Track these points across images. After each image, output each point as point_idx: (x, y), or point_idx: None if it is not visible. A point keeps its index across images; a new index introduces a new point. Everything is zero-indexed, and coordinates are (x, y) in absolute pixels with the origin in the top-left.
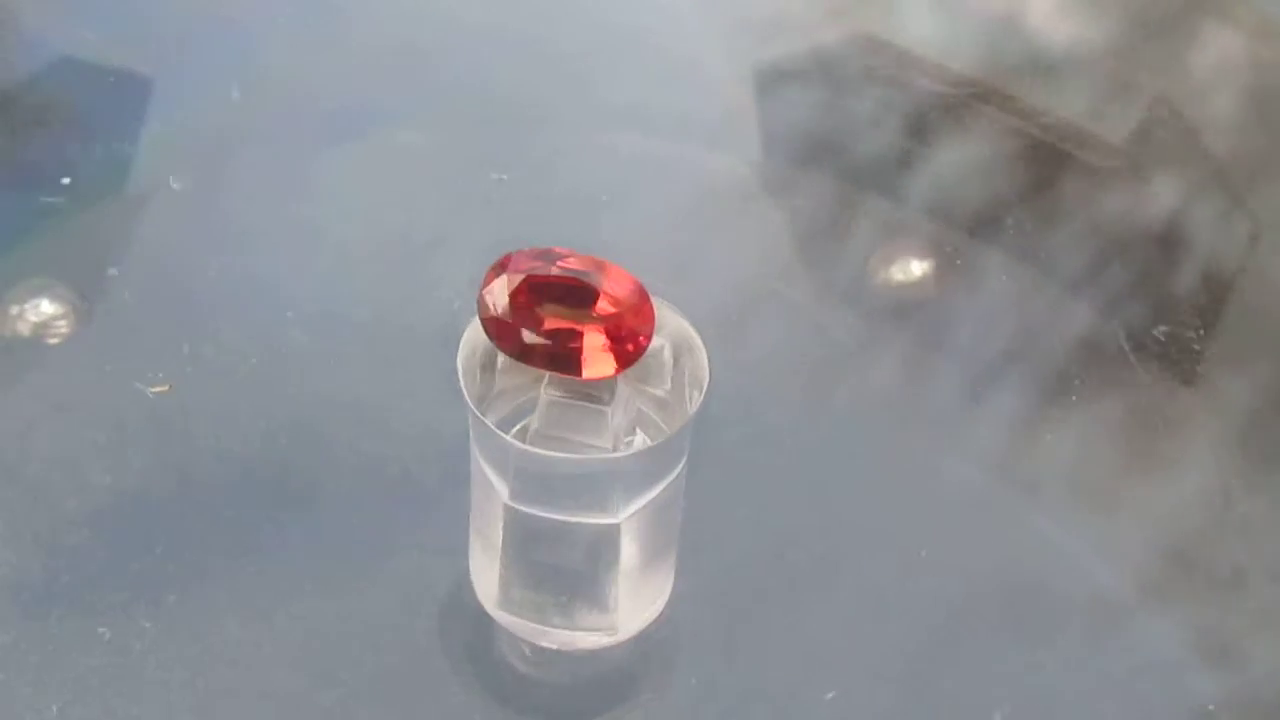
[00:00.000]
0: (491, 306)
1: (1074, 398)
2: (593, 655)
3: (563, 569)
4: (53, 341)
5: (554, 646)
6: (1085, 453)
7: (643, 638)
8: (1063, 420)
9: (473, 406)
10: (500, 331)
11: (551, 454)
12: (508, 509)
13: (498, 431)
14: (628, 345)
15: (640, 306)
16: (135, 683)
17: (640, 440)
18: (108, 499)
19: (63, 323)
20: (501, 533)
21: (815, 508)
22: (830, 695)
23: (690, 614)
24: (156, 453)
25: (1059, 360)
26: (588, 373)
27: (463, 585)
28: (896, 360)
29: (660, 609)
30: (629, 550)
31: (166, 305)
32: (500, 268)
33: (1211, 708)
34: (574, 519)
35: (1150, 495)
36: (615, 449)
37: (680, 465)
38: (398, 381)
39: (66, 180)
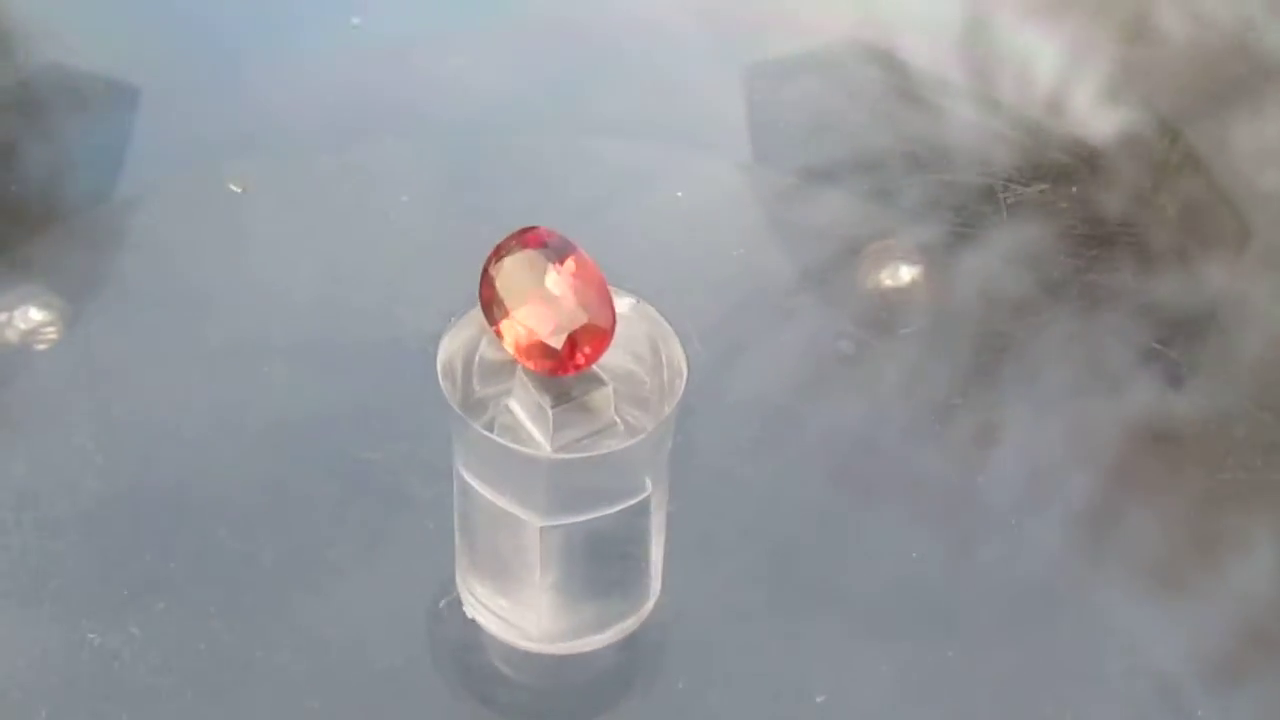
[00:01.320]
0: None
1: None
2: (581, 658)
3: (608, 562)
4: (41, 347)
5: (606, 642)
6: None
7: (631, 640)
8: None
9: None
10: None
11: (596, 452)
12: (546, 533)
13: (527, 450)
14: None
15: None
16: (124, 688)
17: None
18: (96, 505)
19: (51, 329)
20: (539, 561)
21: (804, 510)
22: (820, 699)
23: (678, 616)
24: (145, 458)
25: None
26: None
27: (449, 590)
28: (886, 363)
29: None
30: (657, 517)
31: (154, 311)
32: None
33: None
34: (613, 509)
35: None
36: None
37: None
38: (387, 388)
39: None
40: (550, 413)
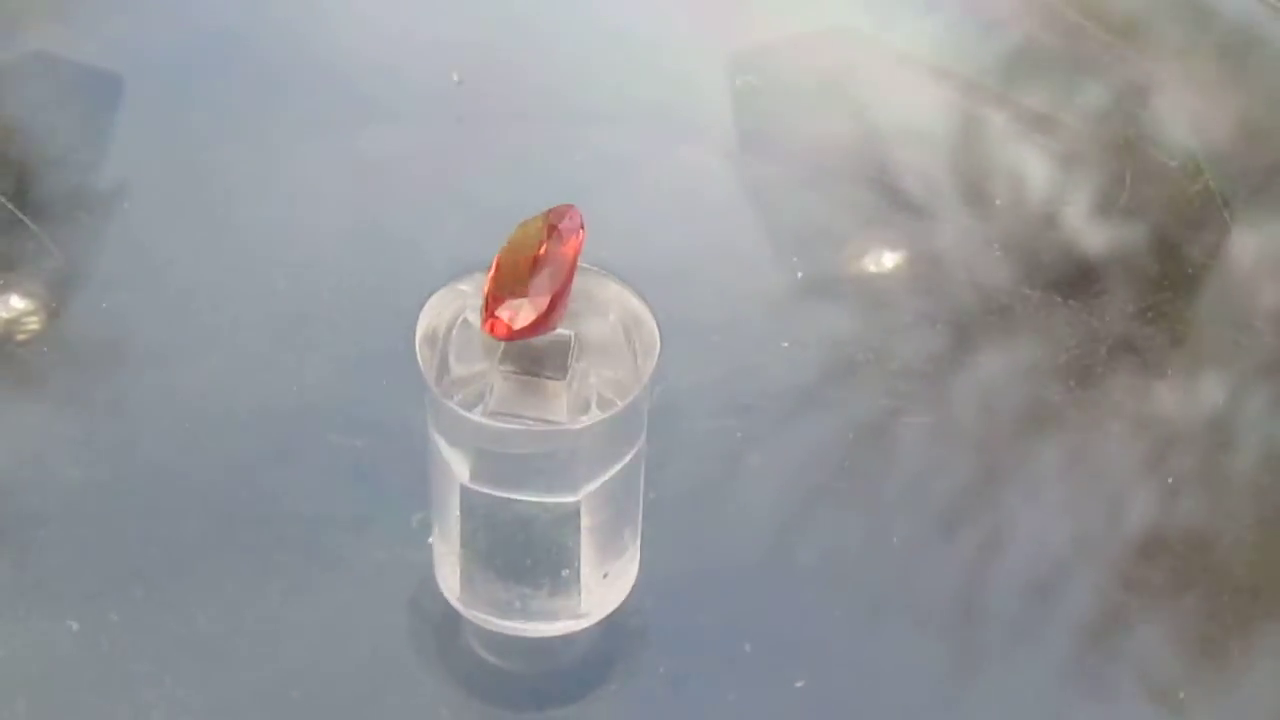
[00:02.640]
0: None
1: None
2: (560, 645)
3: (524, 554)
4: (22, 338)
5: (522, 635)
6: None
7: (610, 627)
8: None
9: (431, 385)
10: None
11: (511, 426)
12: (466, 492)
13: (455, 408)
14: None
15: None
16: (103, 676)
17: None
18: (76, 493)
19: (32, 319)
20: (460, 519)
21: (782, 497)
22: (799, 684)
23: (657, 603)
24: (125, 447)
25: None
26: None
27: (429, 577)
28: (868, 351)
29: (625, 594)
30: (590, 530)
31: (135, 301)
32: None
33: None
34: (535, 498)
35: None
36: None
37: (639, 443)
38: (366, 376)
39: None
40: (499, 374)
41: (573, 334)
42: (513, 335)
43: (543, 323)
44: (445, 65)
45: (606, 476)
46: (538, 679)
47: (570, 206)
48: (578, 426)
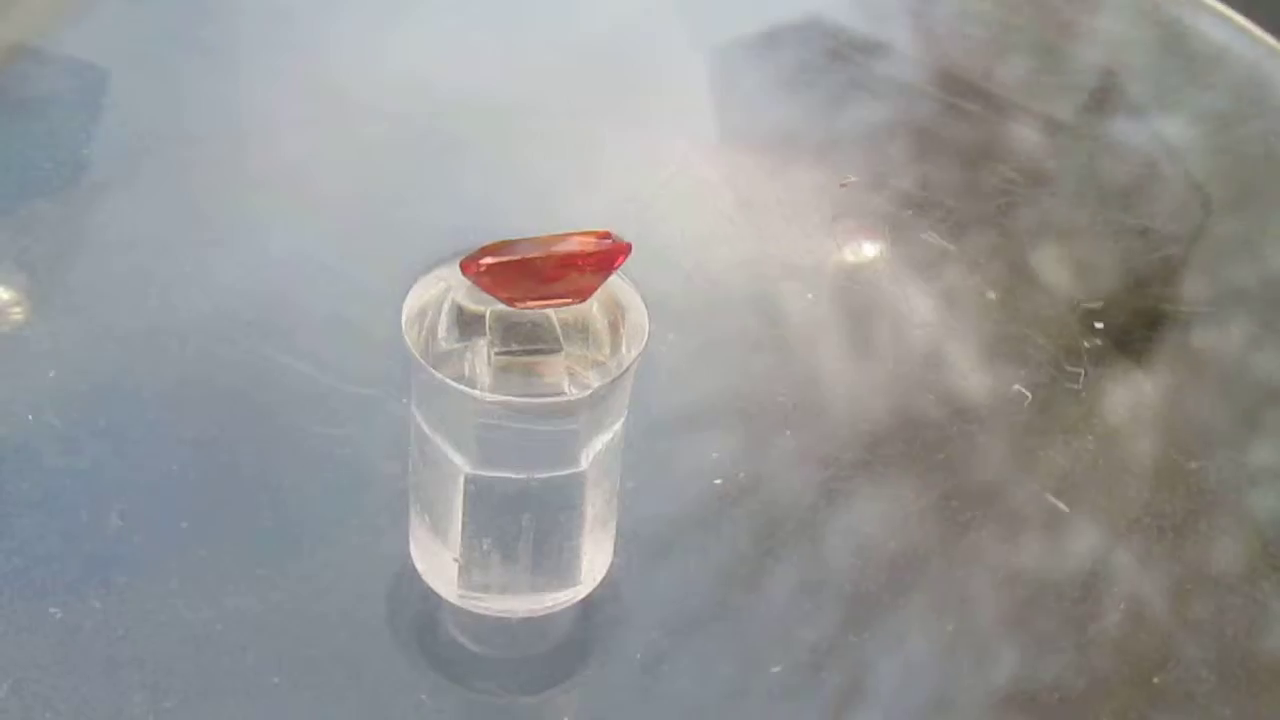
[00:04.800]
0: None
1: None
2: (539, 630)
3: (532, 532)
4: (4, 329)
5: (523, 615)
6: None
7: (589, 610)
8: None
9: (431, 371)
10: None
11: (537, 399)
12: (470, 480)
13: (460, 387)
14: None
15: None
16: (85, 662)
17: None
18: (60, 481)
19: (17, 309)
20: (463, 510)
21: (762, 479)
22: (776, 669)
23: (635, 586)
24: (108, 435)
25: None
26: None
27: (408, 564)
28: (845, 337)
29: (610, 558)
30: (591, 498)
31: (120, 292)
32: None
33: None
34: (545, 474)
35: None
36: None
37: (626, 408)
38: (349, 366)
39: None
40: (494, 357)
41: (550, 312)
42: (478, 273)
43: (514, 273)
44: (426, 67)
45: (605, 442)
46: (517, 664)
47: (625, 244)
48: (588, 393)
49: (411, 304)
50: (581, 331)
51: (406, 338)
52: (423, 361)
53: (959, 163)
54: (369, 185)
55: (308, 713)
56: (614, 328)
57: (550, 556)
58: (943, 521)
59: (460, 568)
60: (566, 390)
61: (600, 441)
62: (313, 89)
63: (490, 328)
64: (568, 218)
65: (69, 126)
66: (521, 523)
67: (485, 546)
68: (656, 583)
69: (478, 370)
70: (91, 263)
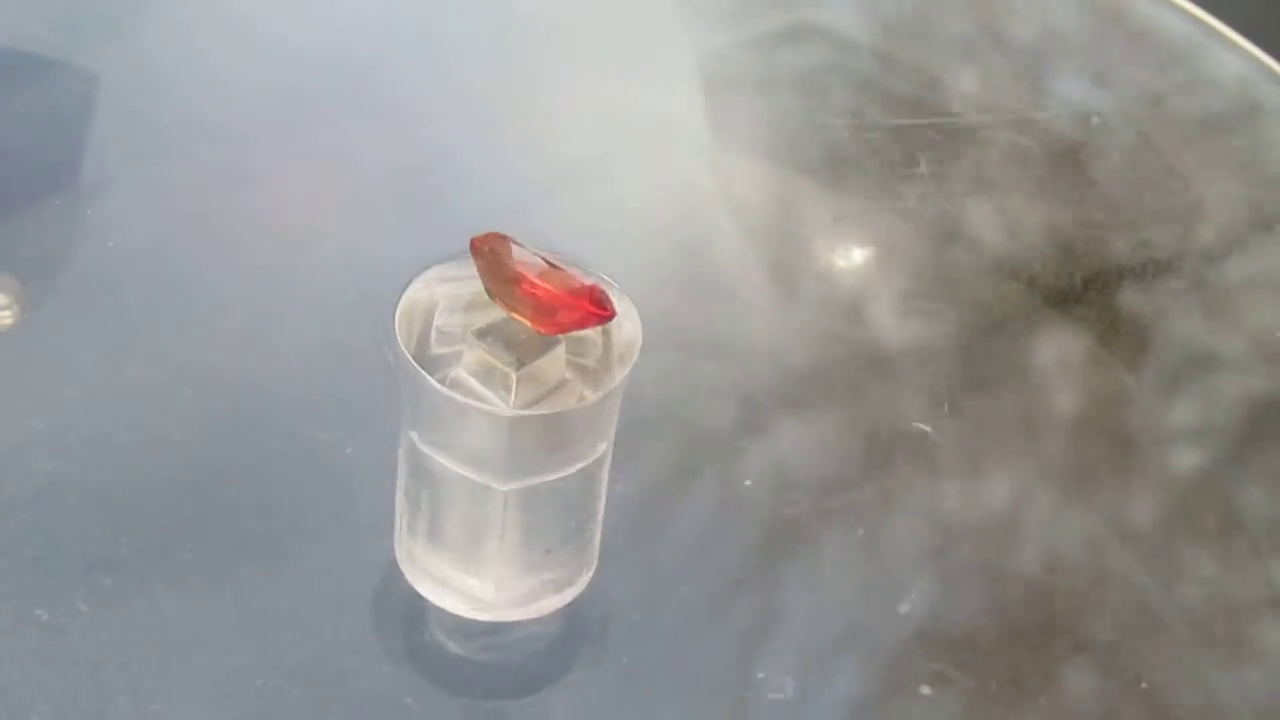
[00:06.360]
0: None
1: None
2: (525, 634)
3: (560, 528)
4: None
5: (556, 606)
6: None
7: (574, 616)
8: None
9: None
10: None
11: (550, 411)
12: (509, 497)
13: (488, 409)
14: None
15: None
16: (71, 664)
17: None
18: (48, 484)
19: (6, 312)
20: (504, 527)
21: (746, 488)
22: (761, 675)
23: (620, 592)
24: (96, 439)
25: None
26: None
27: (395, 567)
28: (829, 343)
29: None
30: (605, 479)
31: (109, 294)
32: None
33: None
34: (572, 469)
35: None
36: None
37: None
38: (336, 370)
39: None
40: (514, 374)
41: None
42: (479, 252)
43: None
44: (417, 66)
45: (611, 432)
46: (502, 668)
47: (609, 314)
48: (610, 389)
49: (402, 328)
50: (573, 338)
51: (416, 370)
52: (447, 391)
53: (893, 111)
54: (367, 185)
55: (292, 716)
56: (604, 331)
57: (576, 547)
58: (862, 461)
59: (498, 584)
60: (568, 379)
61: (612, 429)
62: (312, 89)
63: (490, 346)
64: None
65: (62, 130)
66: (555, 523)
67: (525, 557)
68: (642, 592)
69: (469, 384)
70: (81, 268)
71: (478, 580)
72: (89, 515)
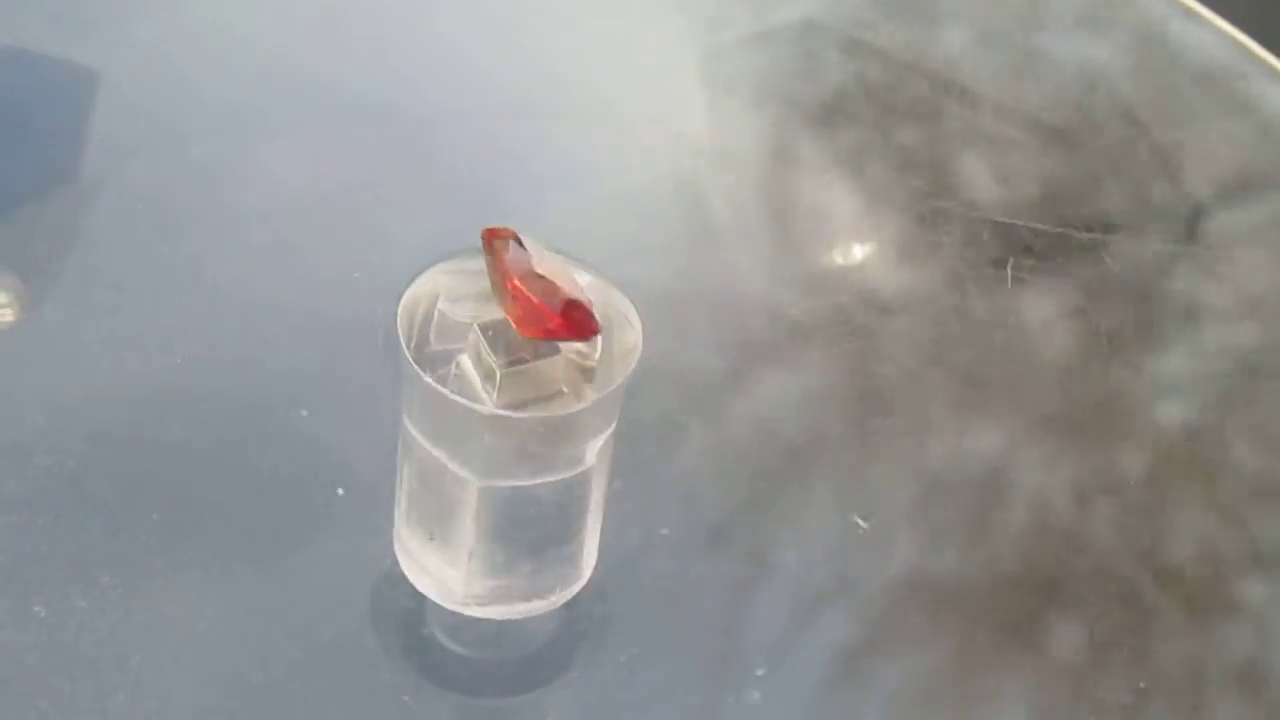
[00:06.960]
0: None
1: None
2: (523, 632)
3: (541, 533)
4: None
5: (529, 614)
6: None
7: (573, 615)
8: None
9: (439, 386)
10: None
11: (569, 410)
12: (483, 492)
13: (470, 404)
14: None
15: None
16: (69, 660)
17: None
18: (46, 481)
19: (7, 309)
20: (475, 523)
21: (743, 486)
22: (760, 671)
23: (620, 590)
24: (96, 436)
25: None
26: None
27: (395, 565)
28: (825, 335)
29: (596, 551)
30: (594, 493)
31: (109, 292)
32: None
33: None
34: (556, 476)
35: None
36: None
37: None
38: (337, 365)
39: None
40: (499, 372)
41: None
42: (489, 244)
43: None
44: (414, 65)
45: (605, 438)
46: (500, 667)
47: (593, 328)
48: (600, 396)
49: (404, 315)
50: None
51: (405, 353)
52: (430, 380)
53: (889, 66)
54: (363, 186)
55: (290, 713)
56: (608, 334)
57: (561, 553)
58: (852, 411)
59: (467, 575)
60: (564, 390)
61: (603, 437)
62: (311, 90)
63: (488, 340)
64: None
65: (60, 128)
66: (532, 528)
67: (498, 556)
68: (641, 591)
69: (468, 374)
70: (82, 265)
71: (450, 569)
72: (88, 512)
